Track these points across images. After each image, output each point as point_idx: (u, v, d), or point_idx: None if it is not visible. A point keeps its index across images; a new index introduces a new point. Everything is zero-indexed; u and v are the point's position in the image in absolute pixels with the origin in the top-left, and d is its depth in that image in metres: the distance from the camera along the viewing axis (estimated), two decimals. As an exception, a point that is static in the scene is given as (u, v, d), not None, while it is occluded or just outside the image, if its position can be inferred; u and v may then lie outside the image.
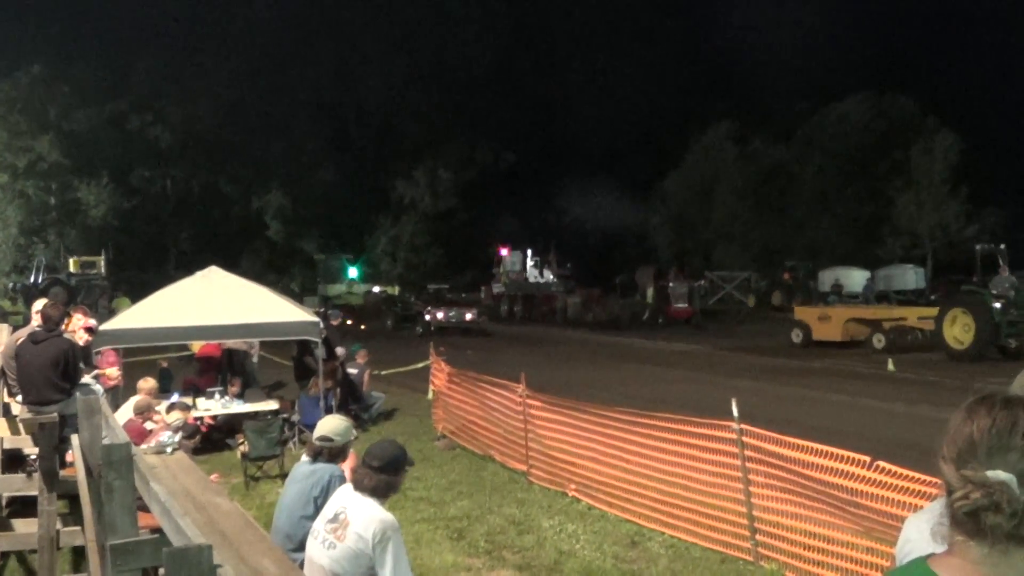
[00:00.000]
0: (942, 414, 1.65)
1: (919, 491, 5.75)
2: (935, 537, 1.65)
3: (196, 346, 16.73)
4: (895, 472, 6.11)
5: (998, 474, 1.50)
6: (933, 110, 52.52)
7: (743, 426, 7.54)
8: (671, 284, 38.75)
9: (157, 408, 10.85)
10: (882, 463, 6.27)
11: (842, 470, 6.59)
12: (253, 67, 65.21)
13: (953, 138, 48.98)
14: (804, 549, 7.03)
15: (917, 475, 5.85)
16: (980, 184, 48.09)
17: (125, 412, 10.80)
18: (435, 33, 68.88)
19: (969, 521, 1.52)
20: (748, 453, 7.53)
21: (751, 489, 7.55)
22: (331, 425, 6.04)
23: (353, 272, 60.84)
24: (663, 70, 74.03)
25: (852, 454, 6.55)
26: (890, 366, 21.45)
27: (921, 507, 4.42)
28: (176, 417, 10.27)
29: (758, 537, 7.48)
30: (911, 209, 49.46)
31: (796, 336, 27.81)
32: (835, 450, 6.69)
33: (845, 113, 55.56)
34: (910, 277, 47.35)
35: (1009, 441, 1.53)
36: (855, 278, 45.67)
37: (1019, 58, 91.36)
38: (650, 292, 40.85)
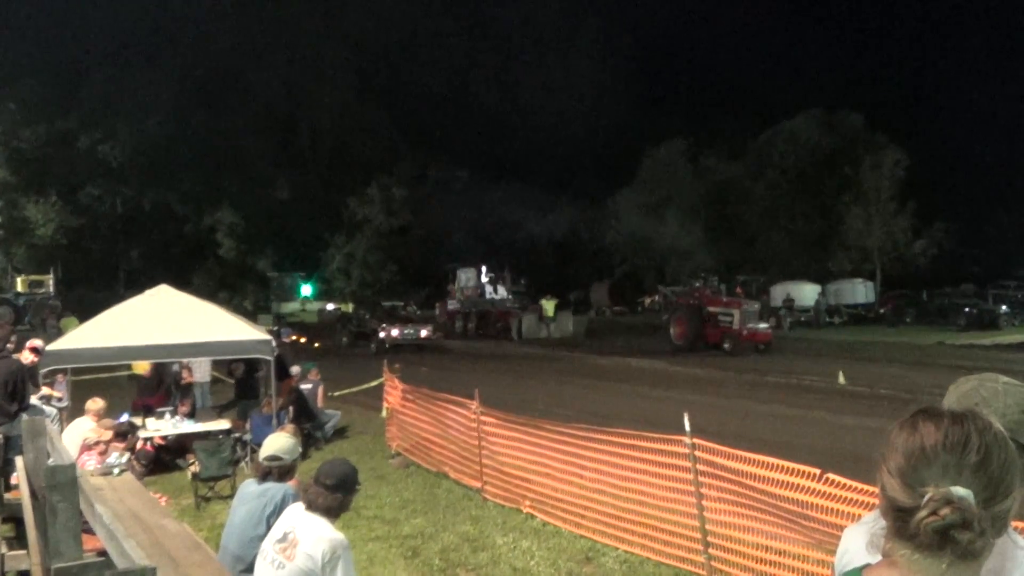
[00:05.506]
0: (892, 427, 1.65)
1: (868, 503, 5.79)
2: (870, 548, 1.65)
3: (139, 366, 16.49)
4: (844, 484, 6.15)
5: (959, 490, 1.49)
6: (881, 127, 53.42)
7: (695, 440, 7.56)
8: (744, 303, 32.45)
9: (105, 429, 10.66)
10: (831, 475, 6.31)
11: (792, 483, 6.61)
12: (204, 84, 64.63)
13: (901, 154, 49.83)
14: (756, 562, 7.05)
15: (866, 487, 5.89)
16: (927, 199, 48.92)
17: (71, 433, 10.63)
18: (388, 50, 68.80)
19: (935, 537, 1.49)
20: (700, 467, 7.55)
21: (704, 503, 7.57)
22: (279, 444, 5.96)
23: (307, 290, 60.30)
24: (616, 87, 74.72)
25: (802, 467, 6.58)
26: (840, 379, 21.65)
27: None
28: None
29: (711, 551, 7.50)
30: (860, 224, 50.21)
31: None
32: (785, 463, 6.73)
33: (795, 130, 56.28)
34: (860, 291, 48.12)
35: (963, 458, 1.51)
36: (806, 292, 46.33)
37: (964, 75, 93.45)
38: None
